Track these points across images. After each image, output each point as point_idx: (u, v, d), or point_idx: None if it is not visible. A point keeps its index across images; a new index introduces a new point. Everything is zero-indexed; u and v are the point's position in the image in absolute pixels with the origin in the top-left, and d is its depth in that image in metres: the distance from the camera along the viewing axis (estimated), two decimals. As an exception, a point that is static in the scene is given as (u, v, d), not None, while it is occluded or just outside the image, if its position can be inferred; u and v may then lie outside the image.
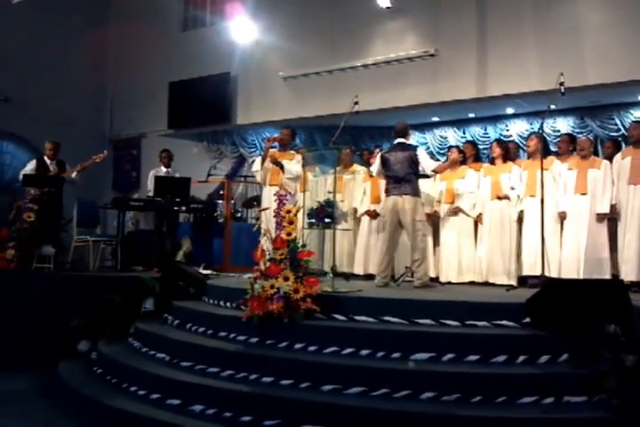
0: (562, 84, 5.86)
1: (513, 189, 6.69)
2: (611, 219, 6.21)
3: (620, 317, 3.96)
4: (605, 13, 8.09)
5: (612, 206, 6.13)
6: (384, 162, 6.26)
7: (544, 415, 3.55)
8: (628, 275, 5.90)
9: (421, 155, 6.18)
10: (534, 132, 7.07)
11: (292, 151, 7.33)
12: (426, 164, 6.17)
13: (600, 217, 6.16)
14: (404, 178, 6.07)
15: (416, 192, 6.12)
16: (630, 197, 6.02)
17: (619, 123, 8.99)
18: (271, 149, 7.20)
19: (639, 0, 7.75)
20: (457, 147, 7.60)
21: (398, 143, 6.31)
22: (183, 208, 8.32)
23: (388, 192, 6.22)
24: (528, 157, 6.97)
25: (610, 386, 3.58)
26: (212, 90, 11.34)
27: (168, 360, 4.75)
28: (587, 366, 3.78)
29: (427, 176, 6.57)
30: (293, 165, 7.05)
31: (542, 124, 6.48)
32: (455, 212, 6.93)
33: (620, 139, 7.92)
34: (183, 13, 13.11)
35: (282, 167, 6.96)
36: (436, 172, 6.39)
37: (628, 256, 5.93)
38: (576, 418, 3.54)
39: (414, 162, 6.10)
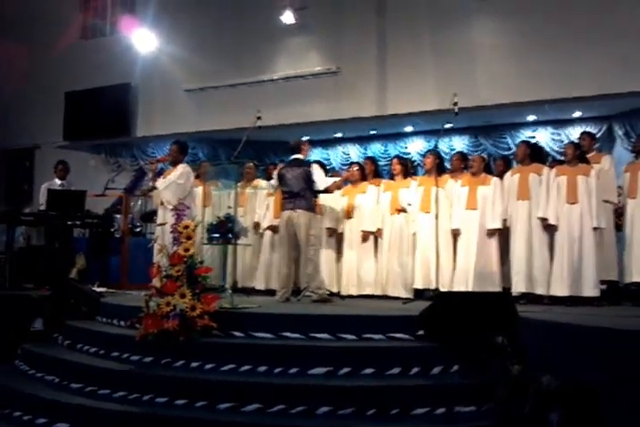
0: (455, 104, 6.09)
1: (410, 204, 6.86)
2: (501, 233, 6.49)
3: (507, 328, 4.13)
4: (497, 39, 8.54)
5: (504, 221, 6.40)
6: (280, 178, 6.33)
7: (435, 426, 3.65)
8: (517, 286, 6.17)
9: (315, 171, 6.27)
10: (431, 150, 7.31)
11: (181, 164, 7.09)
12: (319, 181, 6.26)
13: (491, 232, 6.43)
14: (298, 193, 6.16)
15: (310, 207, 6.20)
16: (519, 212, 6.32)
17: (510, 142, 9.47)
18: (160, 169, 7.03)
19: (529, 24, 8.22)
20: (358, 163, 7.74)
21: (294, 159, 6.40)
22: (77, 223, 8.02)
23: (283, 207, 6.30)
24: (424, 174, 7.16)
25: (497, 395, 3.71)
26: (111, 101, 11.06)
27: (57, 382, 4.56)
28: (476, 377, 3.91)
29: (328, 191, 6.67)
30: (173, 175, 6.80)
31: (437, 142, 6.73)
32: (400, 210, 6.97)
33: (511, 157, 8.32)
34: (82, 22, 12.70)
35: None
36: (327, 190, 6.46)
37: (517, 269, 6.20)
38: (465, 427, 3.65)
39: (309, 177, 6.20)
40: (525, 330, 4.13)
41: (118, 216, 9.46)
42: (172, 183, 6.69)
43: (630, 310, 5.48)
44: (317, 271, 6.14)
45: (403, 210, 6.89)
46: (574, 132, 9.00)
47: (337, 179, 6.65)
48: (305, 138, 9.98)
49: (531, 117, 9.13)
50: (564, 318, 4.41)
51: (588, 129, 8.79)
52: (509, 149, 9.38)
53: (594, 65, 7.70)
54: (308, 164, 6.37)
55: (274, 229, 7.35)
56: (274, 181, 6.59)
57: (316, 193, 6.40)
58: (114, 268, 8.60)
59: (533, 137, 9.14)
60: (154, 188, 6.85)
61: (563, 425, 3.27)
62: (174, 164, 6.97)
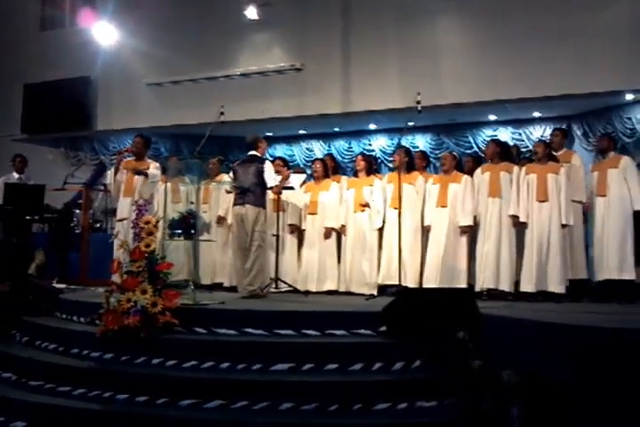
0: (419, 102, 6.15)
1: (373, 200, 6.89)
2: (469, 230, 6.55)
3: (469, 324, 4.18)
4: (461, 37, 8.64)
5: (474, 218, 6.47)
6: (234, 173, 6.37)
7: (397, 421, 3.69)
8: (485, 282, 6.24)
9: (267, 169, 6.27)
10: (400, 147, 7.33)
11: (148, 160, 7.10)
12: (268, 179, 6.25)
13: (463, 229, 6.49)
14: (248, 189, 6.18)
15: (259, 202, 6.20)
16: (489, 209, 6.39)
17: (472, 140, 9.60)
18: (128, 159, 6.93)
19: (491, 24, 8.33)
20: (321, 159, 7.73)
21: (249, 155, 6.42)
22: (36, 217, 7.87)
23: (234, 202, 6.32)
24: (391, 171, 7.14)
25: (458, 390, 3.76)
26: (71, 94, 10.84)
27: (14, 380, 4.47)
28: (437, 372, 3.96)
29: (291, 188, 6.67)
30: (154, 169, 6.87)
31: (400, 140, 6.77)
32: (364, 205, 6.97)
33: (474, 155, 8.40)
34: (40, 12, 12.41)
35: (146, 175, 6.75)
36: (272, 190, 6.46)
37: (486, 265, 6.28)
38: (427, 422, 3.70)
39: (260, 174, 6.21)
40: (487, 326, 4.19)
41: (78, 211, 9.31)
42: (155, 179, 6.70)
43: (590, 307, 5.59)
44: (257, 266, 6.11)
45: (367, 205, 6.90)
46: (534, 132, 9.19)
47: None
48: (268, 134, 10.10)
49: (492, 117, 9.27)
50: (525, 314, 4.50)
51: (548, 129, 9.00)
52: (471, 147, 9.52)
53: (554, 66, 7.83)
54: (262, 161, 6.36)
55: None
56: (230, 179, 6.55)
57: (267, 189, 6.34)
58: (73, 263, 8.48)
59: (495, 136, 9.27)
60: (141, 172, 6.72)
61: (523, 420, 3.33)
62: (138, 156, 6.92)
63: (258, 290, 6.08)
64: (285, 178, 6.61)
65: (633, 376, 3.15)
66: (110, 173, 6.99)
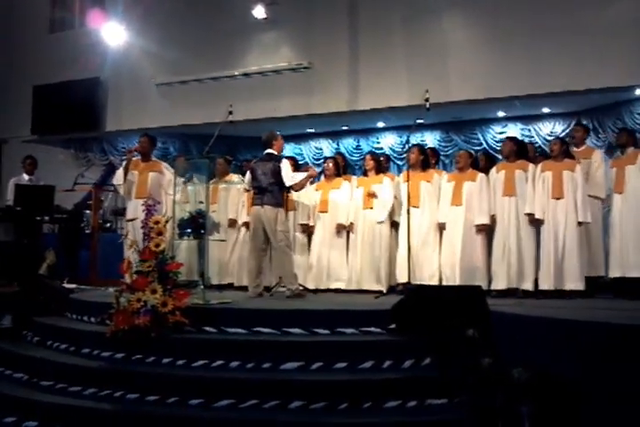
0: (427, 99, 6.13)
1: (376, 197, 6.87)
2: (486, 229, 6.51)
3: (478, 321, 4.17)
4: (468, 33, 8.61)
5: (491, 217, 6.43)
6: (252, 172, 6.31)
7: (406, 419, 3.67)
8: (509, 282, 6.18)
9: (284, 167, 6.19)
10: (416, 145, 7.30)
11: (154, 159, 7.12)
12: (286, 177, 6.17)
13: (479, 228, 6.44)
14: (266, 188, 6.11)
15: (278, 202, 6.14)
16: (505, 208, 6.35)
17: (481, 137, 9.56)
18: (135, 158, 6.94)
19: (498, 21, 8.30)
20: (332, 158, 7.71)
21: (266, 154, 6.34)
22: (46, 218, 7.90)
23: (253, 202, 6.28)
24: (408, 169, 7.06)
25: (468, 388, 3.75)
26: (80, 95, 10.89)
27: (26, 380, 4.48)
28: (447, 370, 3.94)
29: (294, 189, 6.66)
30: (167, 172, 6.90)
31: (409, 137, 6.75)
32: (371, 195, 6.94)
33: (479, 152, 8.36)
34: (50, 14, 12.48)
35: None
36: (293, 188, 6.44)
37: (509, 264, 6.20)
38: (437, 420, 3.68)
39: (277, 173, 6.14)
40: (497, 323, 4.17)
41: (88, 211, 9.34)
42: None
43: (602, 303, 5.56)
44: (290, 267, 6.13)
45: (374, 195, 6.87)
46: (543, 128, 9.14)
47: (304, 176, 6.53)
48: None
49: (501, 113, 9.22)
50: (535, 311, 4.46)
51: (557, 125, 8.95)
52: (480, 144, 9.48)
53: (563, 62, 7.79)
54: (278, 159, 6.29)
55: (248, 225, 7.33)
56: (246, 178, 6.53)
57: (287, 189, 6.35)
58: (84, 263, 8.51)
59: (504, 132, 9.23)
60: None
61: (533, 418, 3.32)
62: (145, 156, 6.93)
63: (297, 289, 6.09)
64: (312, 176, 6.56)
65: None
66: (119, 173, 6.98)
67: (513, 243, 6.22)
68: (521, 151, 6.57)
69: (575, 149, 6.67)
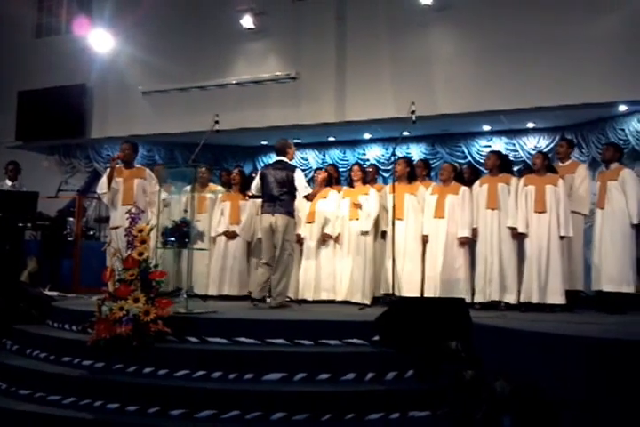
0: (413, 112, 6.16)
1: (360, 208, 6.89)
2: (469, 242, 6.54)
3: (461, 334, 4.18)
4: (455, 49, 8.67)
5: (473, 230, 6.46)
6: (262, 178, 6.25)
7: (389, 431, 3.67)
8: (491, 295, 6.22)
9: (298, 177, 6.17)
10: (402, 157, 7.34)
11: (138, 166, 7.09)
12: (300, 187, 6.16)
13: (461, 241, 6.48)
14: (278, 197, 6.09)
15: (289, 211, 6.13)
16: (488, 221, 6.39)
17: (465, 150, 9.62)
18: (118, 166, 6.89)
19: (484, 36, 8.37)
20: (325, 169, 7.72)
21: (278, 161, 6.31)
22: (29, 225, 7.82)
23: (262, 210, 6.23)
24: (394, 181, 7.09)
25: (450, 400, 3.75)
26: (66, 101, 10.81)
27: (4, 389, 4.44)
28: (430, 382, 3.95)
29: (308, 199, 6.68)
30: (151, 179, 6.90)
31: (394, 149, 6.80)
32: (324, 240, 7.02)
33: (465, 165, 8.43)
34: (36, 19, 12.40)
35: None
36: (307, 198, 6.45)
37: (491, 277, 6.24)
38: (419, 432, 3.68)
39: (290, 182, 6.11)
40: (479, 336, 4.19)
41: (71, 219, 9.27)
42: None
43: (583, 317, 5.59)
44: (285, 277, 6.10)
45: (359, 206, 6.89)
46: (528, 142, 9.21)
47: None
48: (263, 142, 10.09)
49: (486, 127, 9.29)
50: (518, 324, 4.49)
51: (542, 139, 9.03)
52: (465, 157, 9.53)
53: (548, 77, 7.86)
54: (292, 168, 6.26)
55: (229, 234, 7.31)
56: (254, 183, 6.45)
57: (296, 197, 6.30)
58: (66, 271, 8.44)
59: (489, 146, 9.30)
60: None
61: (515, 429, 3.33)
62: (128, 163, 6.90)
63: (283, 301, 6.08)
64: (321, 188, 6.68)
65: (623, 387, 3.15)
66: (103, 181, 6.92)
67: (495, 256, 6.26)
68: (504, 165, 6.63)
69: (560, 163, 6.74)
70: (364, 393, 3.93)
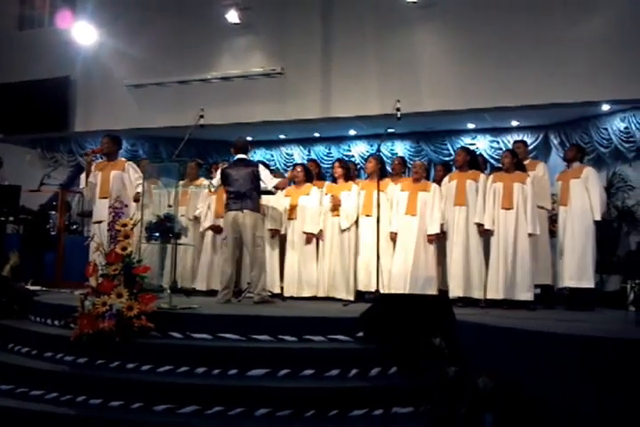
0: (398, 109, 6.19)
1: (338, 209, 6.91)
2: (439, 238, 6.60)
3: (444, 330, 4.21)
4: (440, 46, 8.70)
5: (441, 226, 6.53)
6: (225, 177, 6.27)
7: (372, 427, 3.68)
8: (454, 291, 6.30)
9: (263, 171, 6.26)
10: (373, 155, 7.39)
11: (121, 159, 7.07)
12: (267, 180, 6.25)
13: (430, 238, 6.54)
14: (244, 193, 6.12)
15: (256, 207, 6.18)
16: (456, 217, 6.45)
17: (450, 148, 9.67)
18: (99, 161, 6.87)
19: (469, 35, 8.41)
20: (302, 164, 7.74)
21: (239, 159, 6.34)
22: (11, 219, 7.75)
23: (227, 207, 6.23)
24: (366, 178, 7.20)
25: (434, 397, 3.77)
26: (49, 94, 10.70)
27: (-16, 384, 4.37)
28: (413, 378, 3.97)
29: (270, 193, 6.65)
30: (133, 172, 6.88)
31: (379, 146, 6.82)
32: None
33: (450, 162, 8.48)
34: (19, 11, 12.25)
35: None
36: (277, 188, 6.47)
37: (454, 273, 6.34)
38: (402, 428, 3.70)
39: (256, 178, 6.17)
40: (462, 332, 4.22)
41: (54, 213, 9.20)
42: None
43: (563, 314, 5.67)
44: (262, 272, 6.13)
45: (339, 204, 6.91)
46: (512, 140, 9.26)
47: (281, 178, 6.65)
48: (247, 138, 10.06)
49: (471, 125, 9.35)
50: (500, 321, 4.53)
51: (526, 138, 9.11)
52: (450, 155, 9.58)
53: (532, 76, 7.92)
54: (255, 164, 6.34)
55: (215, 228, 7.29)
56: (215, 181, 6.53)
57: (261, 194, 6.37)
58: (48, 266, 8.37)
59: (473, 144, 9.36)
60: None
61: (497, 426, 3.36)
62: (109, 156, 6.86)
63: (266, 295, 6.10)
64: (291, 178, 6.73)
65: (602, 383, 3.19)
66: (82, 176, 6.90)
67: (462, 252, 6.32)
68: (473, 162, 6.68)
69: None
70: (348, 390, 3.94)
